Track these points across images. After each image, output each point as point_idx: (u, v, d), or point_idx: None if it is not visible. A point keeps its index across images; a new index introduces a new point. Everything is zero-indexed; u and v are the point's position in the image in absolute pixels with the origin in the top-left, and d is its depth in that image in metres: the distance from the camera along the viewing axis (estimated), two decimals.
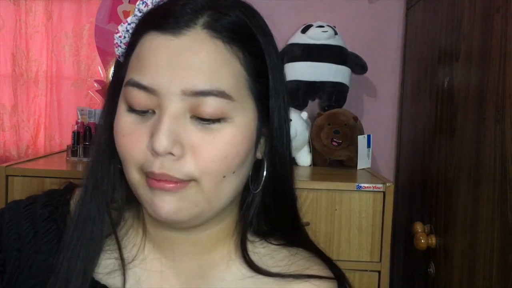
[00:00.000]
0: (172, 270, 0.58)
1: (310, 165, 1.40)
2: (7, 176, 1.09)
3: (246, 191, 0.59)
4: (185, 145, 0.49)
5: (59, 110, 1.60)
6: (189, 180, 0.50)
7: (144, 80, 0.50)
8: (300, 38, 1.50)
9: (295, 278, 0.57)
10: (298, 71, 1.48)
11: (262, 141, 0.57)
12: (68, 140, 1.47)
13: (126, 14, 1.53)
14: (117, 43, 0.57)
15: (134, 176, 0.52)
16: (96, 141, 0.59)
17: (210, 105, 0.49)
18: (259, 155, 0.57)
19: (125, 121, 0.52)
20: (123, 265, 0.57)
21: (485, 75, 0.95)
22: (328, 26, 1.50)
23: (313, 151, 1.40)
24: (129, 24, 0.56)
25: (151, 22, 0.52)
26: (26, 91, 1.59)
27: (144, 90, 0.50)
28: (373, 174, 1.27)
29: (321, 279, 0.58)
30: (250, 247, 0.59)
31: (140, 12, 0.55)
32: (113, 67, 0.61)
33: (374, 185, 1.10)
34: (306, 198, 1.11)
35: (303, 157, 1.40)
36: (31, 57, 1.59)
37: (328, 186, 1.11)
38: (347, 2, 1.62)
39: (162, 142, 0.48)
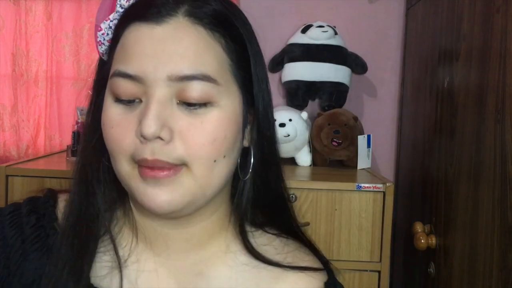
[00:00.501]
0: (168, 269, 0.58)
1: (310, 165, 1.40)
2: (7, 176, 1.09)
3: (236, 180, 0.60)
4: (174, 130, 0.50)
5: (59, 110, 1.60)
6: (181, 166, 0.50)
7: (130, 69, 0.50)
8: (300, 38, 1.50)
9: (292, 269, 0.58)
10: (298, 71, 1.48)
11: (248, 129, 0.58)
12: (68, 140, 1.47)
13: None
14: (100, 40, 0.58)
15: (125, 168, 0.52)
16: (83, 140, 0.60)
17: (196, 89, 0.50)
18: (246, 142, 0.58)
19: (112, 113, 0.52)
20: (120, 266, 0.56)
21: (485, 75, 0.95)
22: (328, 26, 1.50)
23: (313, 151, 1.40)
24: (111, 21, 0.57)
25: (134, 14, 0.53)
26: (26, 91, 1.59)
27: (130, 79, 0.51)
28: (373, 174, 1.27)
29: (315, 271, 0.60)
30: (248, 236, 0.60)
31: (122, 8, 0.56)
32: (96, 65, 0.61)
33: (374, 185, 1.10)
34: (306, 198, 1.11)
35: (303, 157, 1.40)
36: (31, 57, 1.59)
37: (328, 186, 1.11)
38: (347, 2, 1.62)
39: (151, 126, 0.48)
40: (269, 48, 1.53)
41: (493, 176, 0.90)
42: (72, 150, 1.30)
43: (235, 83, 0.54)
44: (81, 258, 0.55)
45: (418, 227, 1.22)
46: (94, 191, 0.57)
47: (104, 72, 0.56)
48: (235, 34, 0.54)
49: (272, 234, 0.62)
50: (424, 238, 1.17)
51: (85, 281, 0.54)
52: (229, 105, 0.53)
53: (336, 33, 1.50)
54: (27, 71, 1.59)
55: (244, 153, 0.59)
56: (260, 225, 0.62)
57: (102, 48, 0.58)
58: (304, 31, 1.50)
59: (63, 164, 1.24)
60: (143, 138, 0.49)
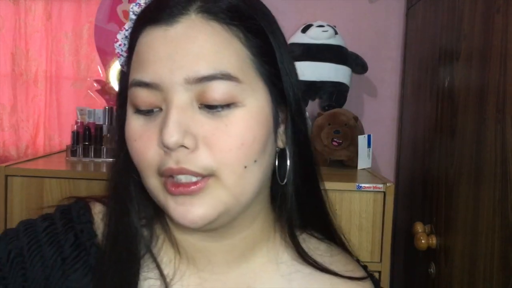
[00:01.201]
0: (213, 284, 0.54)
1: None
2: (6, 176, 1.09)
3: (275, 185, 0.56)
4: (198, 137, 0.47)
5: (58, 110, 1.60)
6: (208, 177, 0.47)
7: (146, 77, 0.48)
8: (300, 38, 1.50)
9: (348, 278, 0.56)
10: (298, 70, 1.47)
11: (281, 129, 0.55)
12: (67, 140, 1.47)
13: (126, 14, 1.52)
14: (118, 52, 0.55)
15: (152, 182, 0.49)
16: (114, 156, 0.57)
17: (217, 90, 0.46)
18: (280, 143, 0.55)
19: (134, 125, 0.50)
20: (166, 284, 0.53)
21: (485, 75, 0.94)
22: (328, 25, 1.49)
23: (314, 151, 1.40)
24: (126, 30, 0.54)
25: (146, 19, 0.50)
26: (25, 91, 1.59)
27: (147, 88, 0.48)
28: (374, 174, 1.27)
29: (364, 280, 0.57)
30: (302, 244, 0.57)
31: (135, 15, 0.53)
32: (118, 79, 0.59)
33: (374, 185, 1.09)
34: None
35: None
36: (30, 56, 1.58)
37: (328, 186, 1.09)
38: (348, 2, 1.61)
39: (172, 135, 0.45)
40: None
41: (494, 176, 0.90)
42: (72, 150, 1.29)
43: (260, 79, 0.50)
44: (126, 280, 0.52)
45: (419, 227, 1.22)
46: (128, 209, 0.54)
47: (124, 84, 0.53)
48: (254, 27, 0.50)
49: (316, 237, 0.60)
50: (424, 238, 1.17)
51: None
52: (255, 104, 0.49)
53: (336, 33, 1.49)
54: (26, 71, 1.58)
55: (281, 156, 0.55)
56: (302, 228, 0.59)
57: (121, 60, 0.56)
58: (304, 30, 1.50)
59: (62, 164, 1.24)
60: (166, 148, 0.46)
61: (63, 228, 0.55)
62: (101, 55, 1.52)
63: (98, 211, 0.58)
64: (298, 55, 1.48)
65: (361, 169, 1.34)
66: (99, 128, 1.30)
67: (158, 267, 0.54)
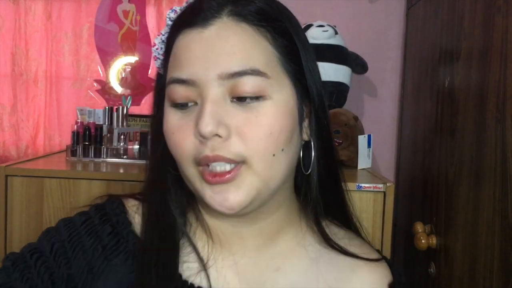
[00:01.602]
0: (245, 266, 0.59)
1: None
2: (6, 176, 1.09)
3: (300, 175, 0.61)
4: (230, 127, 0.52)
5: (58, 110, 1.60)
6: (240, 165, 0.52)
7: (183, 74, 0.53)
8: None
9: (367, 260, 0.61)
10: None
11: (305, 123, 0.59)
12: (67, 140, 1.47)
13: (126, 13, 1.52)
14: (155, 55, 0.60)
15: (190, 171, 0.54)
16: (149, 152, 0.63)
17: (247, 83, 0.52)
18: (305, 136, 0.59)
19: (172, 119, 0.55)
20: (204, 267, 0.58)
21: (485, 75, 0.94)
22: (328, 25, 1.49)
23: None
24: (163, 35, 0.59)
25: (182, 23, 0.56)
26: (25, 91, 1.59)
27: (184, 84, 0.53)
28: (374, 174, 1.27)
29: (378, 262, 0.62)
30: (324, 228, 0.61)
31: (170, 20, 0.59)
32: (155, 80, 0.64)
33: (374, 185, 1.09)
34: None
35: None
36: (30, 56, 1.58)
37: None
38: (348, 2, 1.61)
39: (208, 124, 0.50)
40: None
41: (494, 176, 0.90)
42: (72, 150, 1.29)
43: (286, 76, 0.55)
44: (168, 263, 0.57)
45: (419, 227, 1.22)
46: (166, 198, 0.60)
47: (161, 85, 0.58)
48: (280, 28, 0.55)
49: (336, 224, 0.65)
50: (424, 238, 1.17)
51: (177, 278, 0.57)
52: (281, 98, 0.54)
53: (336, 33, 1.49)
54: (26, 70, 1.58)
55: (305, 148, 0.60)
56: (324, 216, 0.63)
57: (158, 63, 0.61)
58: (304, 30, 1.50)
59: (62, 164, 1.23)
60: (202, 137, 0.51)
61: (99, 220, 0.61)
62: (101, 55, 1.52)
63: (131, 204, 0.64)
64: None
65: (361, 169, 1.34)
66: (99, 128, 1.30)
67: (195, 250, 0.59)
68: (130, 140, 1.33)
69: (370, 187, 1.09)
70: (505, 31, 0.87)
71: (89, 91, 1.56)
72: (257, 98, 0.52)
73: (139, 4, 1.53)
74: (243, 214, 0.56)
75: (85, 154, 1.29)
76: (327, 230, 0.61)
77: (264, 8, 0.55)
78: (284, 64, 0.55)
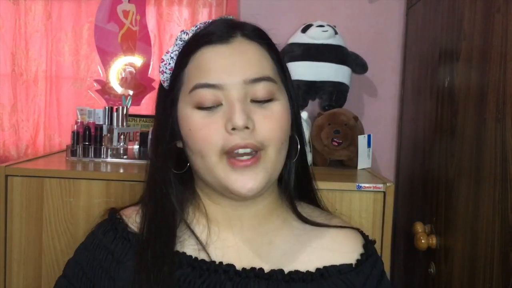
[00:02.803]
0: (244, 243, 0.71)
1: (310, 165, 1.40)
2: (6, 176, 1.09)
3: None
4: (254, 121, 0.64)
5: (58, 110, 1.59)
6: (260, 151, 0.65)
7: (211, 80, 0.65)
8: (300, 38, 1.50)
9: (335, 227, 0.74)
10: (298, 70, 1.47)
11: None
12: (67, 140, 1.47)
13: (126, 13, 1.52)
14: (162, 70, 0.72)
15: (213, 160, 0.65)
16: (150, 152, 0.74)
17: (264, 88, 0.66)
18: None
19: (197, 118, 0.66)
20: (203, 245, 0.69)
21: (485, 75, 0.94)
22: (328, 25, 1.49)
23: (314, 151, 1.40)
24: (172, 52, 0.71)
25: (200, 41, 0.68)
26: (25, 91, 1.58)
27: (212, 88, 0.65)
28: (374, 174, 1.27)
29: (351, 228, 0.76)
30: (299, 209, 0.75)
31: (181, 41, 0.71)
32: (157, 91, 0.75)
33: (374, 185, 1.09)
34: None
35: None
36: (30, 56, 1.58)
37: (328, 186, 1.10)
38: (348, 2, 1.61)
39: (241, 118, 0.63)
40: None
41: (494, 176, 0.90)
42: (72, 150, 1.29)
43: (282, 82, 0.71)
44: (165, 244, 0.68)
45: (419, 227, 1.22)
46: (167, 192, 0.71)
47: (172, 93, 0.70)
48: (273, 48, 0.72)
49: (309, 205, 0.79)
50: (424, 238, 1.17)
51: (175, 255, 0.68)
52: (284, 100, 0.69)
53: (336, 33, 1.49)
54: (26, 70, 1.58)
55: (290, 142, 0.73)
56: (298, 198, 0.78)
57: (164, 76, 0.72)
58: (304, 30, 1.50)
59: (62, 164, 1.23)
60: (235, 129, 0.63)
61: (103, 234, 0.74)
62: (101, 55, 1.52)
63: (129, 212, 0.76)
64: (298, 55, 1.48)
65: (361, 169, 1.34)
66: (99, 128, 1.30)
67: (194, 233, 0.70)
68: (130, 140, 1.33)
69: (370, 187, 1.09)
70: (505, 31, 0.87)
71: (89, 91, 1.56)
72: (270, 100, 0.67)
73: (139, 4, 1.53)
74: (253, 196, 0.67)
75: (85, 154, 1.29)
76: (301, 210, 0.75)
77: (263, 35, 0.71)
78: (279, 73, 0.71)
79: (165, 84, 0.72)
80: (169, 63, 0.71)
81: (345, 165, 1.40)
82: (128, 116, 1.40)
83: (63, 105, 1.60)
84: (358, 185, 1.10)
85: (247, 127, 0.63)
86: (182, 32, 0.71)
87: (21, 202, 1.09)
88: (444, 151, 1.15)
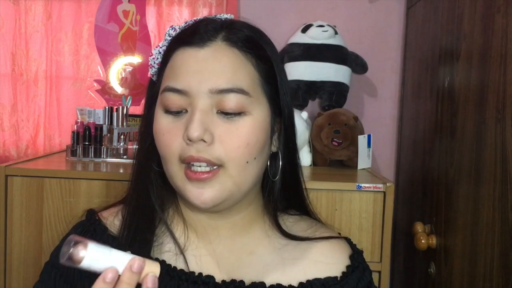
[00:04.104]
0: (222, 252, 0.68)
1: (310, 165, 1.40)
2: (6, 176, 1.09)
3: (265, 179, 0.70)
4: (214, 135, 0.60)
5: (58, 110, 1.59)
6: (219, 167, 0.61)
7: (178, 85, 0.61)
8: (300, 38, 1.50)
9: (320, 239, 0.70)
10: (299, 70, 1.47)
11: (275, 136, 0.68)
12: (67, 140, 1.47)
13: (126, 13, 1.52)
14: (151, 64, 0.69)
15: (174, 168, 0.62)
16: (137, 147, 0.72)
17: (232, 100, 0.60)
18: (274, 148, 0.69)
19: (163, 122, 0.63)
20: (181, 250, 0.66)
21: (485, 75, 0.94)
22: (328, 25, 1.49)
23: (313, 151, 1.40)
24: (160, 47, 0.68)
25: (181, 40, 0.64)
26: (25, 91, 1.58)
27: (178, 93, 0.61)
28: (374, 174, 1.27)
29: (338, 239, 0.72)
30: (280, 222, 0.71)
31: (170, 36, 0.67)
32: (147, 85, 0.72)
33: (374, 185, 1.09)
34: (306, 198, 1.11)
35: (303, 157, 1.39)
36: (30, 56, 1.58)
37: (328, 186, 1.10)
38: (348, 2, 1.61)
39: (196, 130, 0.59)
40: None
41: (494, 176, 0.90)
42: (72, 150, 1.29)
43: (264, 96, 0.65)
44: (143, 241, 0.65)
45: (419, 227, 1.22)
46: (147, 190, 0.68)
47: (154, 90, 0.67)
48: (263, 55, 0.65)
49: (295, 215, 0.75)
50: (424, 238, 1.17)
51: (150, 249, 0.65)
52: (259, 114, 0.63)
53: (336, 33, 1.49)
54: (26, 70, 1.58)
55: (272, 158, 0.69)
56: (284, 209, 0.74)
57: (152, 70, 0.69)
58: (304, 30, 1.50)
59: (62, 164, 1.23)
60: (189, 140, 0.59)
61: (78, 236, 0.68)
62: (101, 55, 1.52)
63: (107, 214, 0.72)
64: (298, 55, 1.48)
65: (361, 169, 1.34)
66: (99, 128, 1.30)
67: (173, 236, 0.67)
68: (130, 140, 1.33)
69: (370, 187, 1.09)
70: (505, 31, 0.87)
71: (89, 91, 1.56)
72: (239, 113, 0.61)
73: (139, 4, 1.53)
74: (217, 210, 0.65)
75: (85, 154, 1.29)
76: (282, 224, 0.71)
77: (252, 37, 0.65)
78: (264, 85, 0.64)
79: (155, 78, 0.69)
80: (157, 58, 0.68)
81: (345, 165, 1.40)
82: (128, 116, 1.40)
83: (63, 105, 1.60)
84: (358, 185, 1.10)
85: (204, 140, 0.59)
86: (171, 28, 0.68)
87: (21, 202, 1.09)
88: (444, 151, 1.15)
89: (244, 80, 0.62)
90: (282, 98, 0.67)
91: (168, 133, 0.62)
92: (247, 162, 0.62)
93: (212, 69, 0.61)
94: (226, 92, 0.60)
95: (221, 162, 0.60)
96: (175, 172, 0.62)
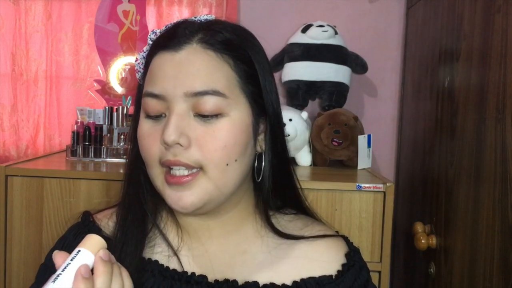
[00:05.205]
0: (215, 252, 0.68)
1: (310, 165, 1.40)
2: (6, 176, 1.09)
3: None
4: (191, 138, 0.60)
5: (58, 110, 1.59)
6: (197, 172, 0.61)
7: (155, 90, 0.62)
8: (300, 38, 1.50)
9: (314, 238, 0.69)
10: (299, 70, 1.47)
11: (261, 137, 0.68)
12: (67, 140, 1.47)
13: (126, 13, 1.52)
14: (137, 68, 0.69)
15: (155, 171, 0.63)
16: (129, 150, 0.72)
17: (208, 102, 0.60)
18: (259, 149, 0.68)
19: (144, 127, 0.64)
20: (174, 252, 0.66)
21: (485, 75, 0.94)
22: (328, 25, 1.49)
23: (313, 151, 1.40)
24: (144, 52, 0.68)
25: (159, 45, 0.64)
26: (25, 91, 1.58)
27: (156, 98, 0.62)
28: (374, 174, 1.27)
29: (334, 237, 0.71)
30: (274, 221, 0.70)
31: (151, 40, 0.67)
32: (136, 89, 0.72)
33: (374, 185, 1.09)
34: (306, 198, 1.11)
35: (303, 157, 1.39)
36: (30, 56, 1.58)
37: (328, 186, 1.10)
38: (348, 2, 1.61)
39: (171, 134, 0.59)
40: (269, 48, 1.51)
41: (494, 176, 0.90)
42: (72, 150, 1.29)
43: (244, 96, 0.64)
44: (135, 244, 0.65)
45: (419, 227, 1.22)
46: (138, 193, 0.68)
47: (140, 94, 0.67)
48: (242, 56, 0.64)
49: (290, 214, 0.74)
50: (424, 238, 1.17)
51: (142, 260, 0.65)
52: (238, 115, 0.62)
53: (336, 33, 1.49)
54: (26, 70, 1.58)
55: (260, 158, 0.68)
56: (278, 208, 0.74)
57: (139, 75, 0.70)
58: (304, 30, 1.50)
59: (62, 164, 1.24)
60: (166, 144, 0.60)
61: (73, 237, 0.70)
62: (101, 55, 1.52)
63: (102, 216, 0.73)
64: (298, 55, 1.48)
65: (361, 169, 1.34)
66: (99, 128, 1.30)
67: (165, 239, 0.67)
68: (130, 140, 1.33)
69: (370, 187, 1.09)
70: (505, 31, 0.87)
71: (89, 91, 1.56)
72: (216, 115, 0.61)
73: (139, 4, 1.53)
74: (201, 213, 0.65)
75: (85, 154, 1.29)
76: (275, 222, 0.70)
77: (230, 38, 0.64)
78: (243, 86, 0.64)
79: (141, 82, 0.70)
80: (142, 63, 0.69)
81: (345, 165, 1.40)
82: (128, 116, 1.40)
83: (63, 105, 1.60)
84: (358, 185, 1.10)
85: (180, 144, 0.59)
86: (152, 32, 0.68)
87: (21, 202, 1.09)
88: (444, 151, 1.15)
89: (220, 82, 0.61)
90: (265, 97, 0.66)
91: (149, 137, 0.63)
92: (227, 165, 0.61)
93: (186, 72, 0.61)
94: (201, 95, 0.60)
95: (200, 165, 0.60)
96: (156, 176, 0.63)
